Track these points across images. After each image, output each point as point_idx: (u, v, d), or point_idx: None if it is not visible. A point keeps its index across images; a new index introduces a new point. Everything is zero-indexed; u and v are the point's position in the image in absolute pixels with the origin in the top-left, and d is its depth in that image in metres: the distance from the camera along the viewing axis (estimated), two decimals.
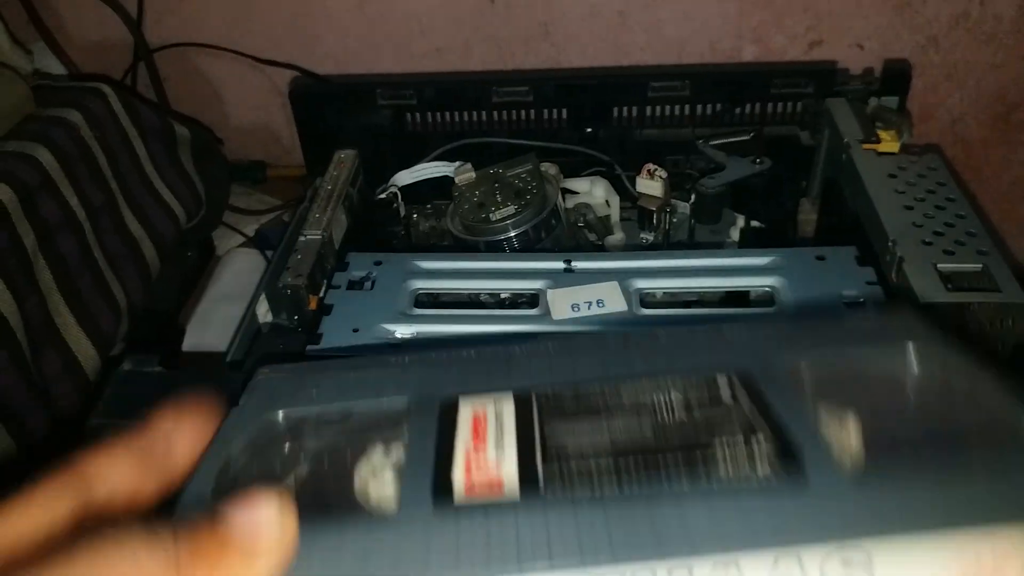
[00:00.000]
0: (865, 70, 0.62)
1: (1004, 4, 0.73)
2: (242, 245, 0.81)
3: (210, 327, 0.72)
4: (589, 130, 0.60)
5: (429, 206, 0.60)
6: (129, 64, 0.86)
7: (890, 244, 0.44)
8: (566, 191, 0.57)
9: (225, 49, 0.83)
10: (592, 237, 0.56)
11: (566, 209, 0.56)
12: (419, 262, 0.46)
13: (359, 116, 0.61)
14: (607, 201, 0.56)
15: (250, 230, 0.83)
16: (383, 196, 0.56)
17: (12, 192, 0.51)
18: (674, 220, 0.55)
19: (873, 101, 0.57)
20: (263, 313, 0.53)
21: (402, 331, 0.41)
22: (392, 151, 0.62)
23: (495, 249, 0.49)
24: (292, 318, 0.51)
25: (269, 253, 0.79)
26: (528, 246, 0.51)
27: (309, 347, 0.40)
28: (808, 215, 0.58)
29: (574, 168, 0.61)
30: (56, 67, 0.82)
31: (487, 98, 0.59)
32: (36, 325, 0.52)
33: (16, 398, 0.50)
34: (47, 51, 0.82)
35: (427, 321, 0.42)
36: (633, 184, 0.59)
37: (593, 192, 0.56)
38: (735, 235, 0.53)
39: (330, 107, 0.61)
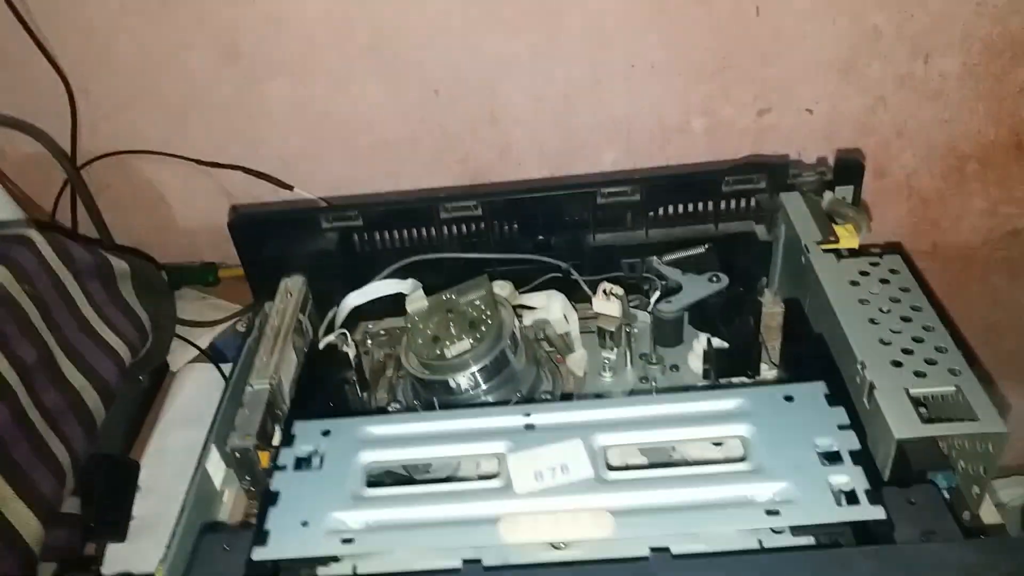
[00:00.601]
0: (819, 159, 0.61)
1: (949, 62, 0.73)
2: (196, 360, 0.79)
3: (167, 460, 0.69)
4: (541, 238, 0.58)
5: (383, 332, 0.58)
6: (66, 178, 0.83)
7: (859, 367, 0.43)
8: (522, 307, 0.55)
9: (166, 154, 0.81)
10: (552, 352, 0.54)
11: (523, 327, 0.54)
12: (370, 427, 0.43)
13: (304, 241, 0.58)
14: (565, 316, 0.54)
15: (204, 341, 0.80)
16: (332, 339, 0.53)
17: None
18: (635, 332, 0.53)
19: (828, 195, 0.56)
20: (214, 470, 0.51)
21: (353, 520, 0.39)
22: (341, 273, 0.59)
23: (452, 392, 0.47)
24: (244, 479, 0.49)
25: (225, 367, 0.76)
26: (487, 379, 0.49)
27: (256, 549, 0.37)
28: (772, 308, 0.57)
29: (528, 276, 0.59)
30: None
31: (435, 215, 0.57)
32: None
33: None
34: None
35: (381, 504, 0.40)
36: (590, 288, 0.58)
37: (550, 308, 0.55)
38: (698, 360, 0.51)
39: (274, 235, 0.59)
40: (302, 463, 0.42)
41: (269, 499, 0.40)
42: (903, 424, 0.40)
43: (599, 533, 0.37)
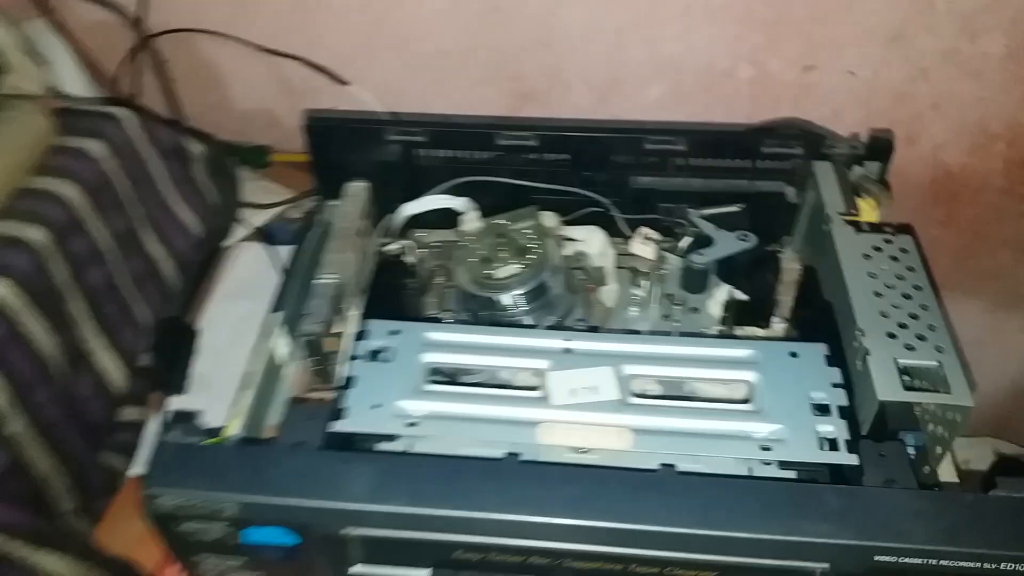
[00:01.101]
0: (851, 134, 0.66)
1: (993, 43, 0.76)
2: (248, 238, 0.85)
3: (223, 326, 0.77)
4: (587, 173, 0.63)
5: (436, 243, 0.64)
6: (131, 45, 0.87)
7: (857, 332, 0.49)
8: (564, 239, 0.61)
9: (228, 36, 0.84)
10: (585, 281, 0.61)
11: (564, 257, 0.60)
12: (431, 334, 0.50)
13: (369, 149, 0.63)
14: (602, 252, 0.60)
15: (256, 221, 0.86)
16: (397, 248, 0.60)
17: (45, 232, 0.54)
18: (664, 273, 0.60)
19: (857, 169, 0.61)
20: (278, 347, 0.58)
21: (415, 408, 0.46)
22: (399, 182, 0.65)
23: (496, 308, 0.54)
24: (310, 359, 0.56)
25: (275, 248, 0.82)
26: (528, 302, 0.56)
27: (334, 423, 0.45)
28: (791, 265, 0.63)
29: (571, 207, 0.65)
30: (58, 49, 0.82)
31: (493, 140, 0.62)
32: (71, 355, 0.56)
33: (57, 421, 0.55)
34: (46, 30, 0.83)
35: (439, 398, 0.47)
36: (628, 226, 0.64)
37: (590, 242, 0.61)
38: (717, 308, 0.57)
39: (342, 139, 0.64)
40: (374, 355, 0.49)
41: (347, 383, 0.47)
42: (887, 388, 0.46)
43: (620, 445, 0.45)
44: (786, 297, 0.59)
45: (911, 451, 0.46)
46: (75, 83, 0.79)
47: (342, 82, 0.84)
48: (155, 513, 0.43)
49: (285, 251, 0.81)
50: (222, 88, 0.90)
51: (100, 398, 0.59)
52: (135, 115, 0.63)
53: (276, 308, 0.60)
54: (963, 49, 0.76)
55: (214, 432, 0.47)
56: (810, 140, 0.61)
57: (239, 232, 0.85)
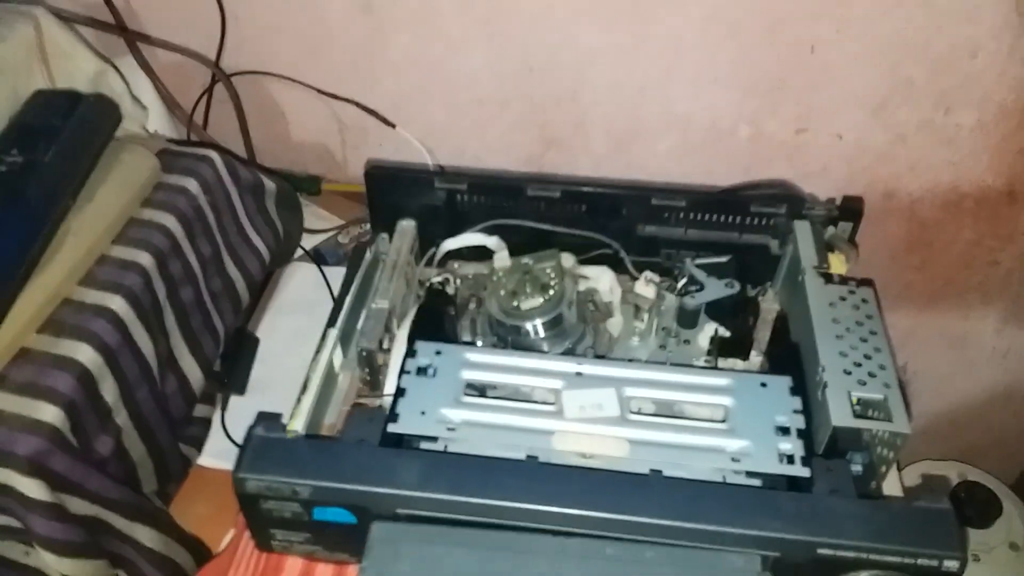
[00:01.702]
0: (828, 199, 0.76)
1: (965, 115, 0.86)
2: (300, 259, 0.96)
3: (277, 337, 0.88)
4: (601, 221, 0.74)
5: (470, 275, 0.75)
6: (206, 85, 0.98)
7: (820, 368, 0.60)
8: (579, 276, 0.72)
9: (293, 79, 0.96)
10: (595, 313, 0.72)
11: (578, 292, 0.71)
12: (469, 355, 0.61)
13: (418, 194, 0.75)
14: (611, 289, 0.71)
15: (307, 243, 0.97)
16: (439, 280, 0.71)
17: (150, 257, 0.66)
18: (662, 309, 0.70)
19: (831, 229, 0.71)
20: (339, 364, 0.69)
21: (455, 416, 0.57)
22: (442, 221, 0.76)
23: (520, 334, 0.65)
24: (364, 371, 0.67)
25: (326, 269, 0.93)
26: (547, 330, 0.67)
27: (390, 425, 0.56)
28: (770, 305, 0.74)
29: (585, 248, 0.76)
30: (145, 88, 0.94)
31: (523, 191, 0.73)
32: (162, 358, 0.68)
33: (150, 415, 0.66)
34: (136, 68, 0.95)
35: (474, 409, 0.58)
36: (634, 267, 0.75)
37: (601, 279, 0.72)
38: (705, 341, 0.68)
39: (396, 185, 0.75)
40: (421, 371, 0.60)
41: (399, 392, 0.58)
42: (840, 415, 0.57)
43: (617, 453, 0.56)
44: (763, 334, 0.69)
45: (858, 468, 0.57)
46: (159, 120, 0.91)
47: (389, 123, 0.95)
48: (243, 493, 0.53)
49: (333, 272, 0.93)
50: (282, 123, 1.02)
51: (182, 396, 0.71)
52: (223, 156, 0.74)
53: (331, 323, 0.70)
54: (938, 120, 0.86)
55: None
56: (793, 202, 0.72)
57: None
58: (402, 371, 0.59)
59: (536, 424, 0.57)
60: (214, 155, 0.73)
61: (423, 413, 0.57)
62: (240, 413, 0.81)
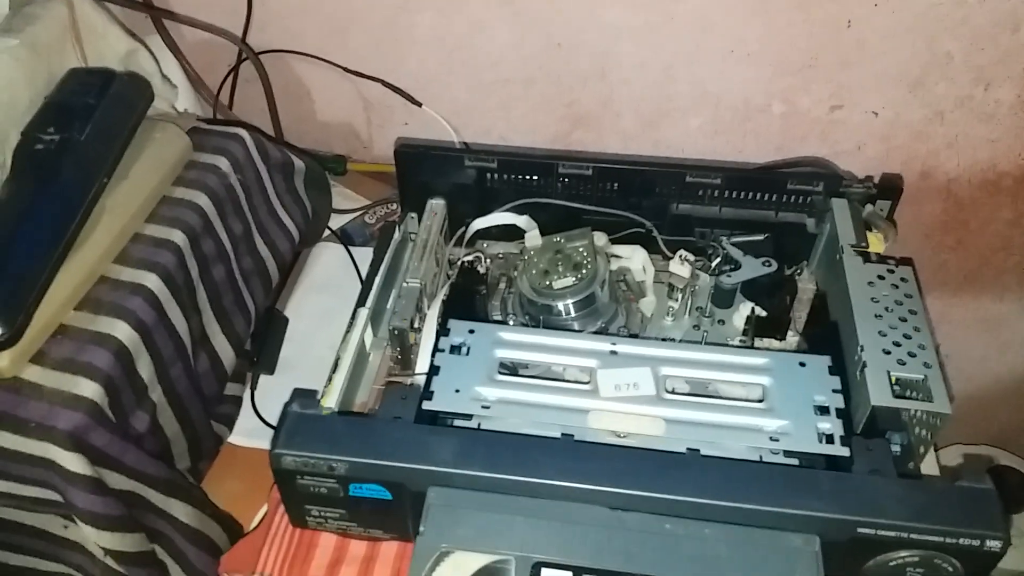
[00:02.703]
0: (865, 177, 0.75)
1: (1005, 91, 0.84)
2: (327, 239, 0.96)
3: (305, 316, 0.88)
4: (634, 199, 0.73)
5: (500, 255, 0.75)
6: (232, 63, 0.98)
7: (859, 348, 0.59)
8: (611, 255, 0.72)
9: (319, 58, 0.95)
10: (627, 292, 0.71)
11: (610, 271, 0.70)
12: (502, 333, 0.61)
13: (449, 172, 0.74)
14: (644, 268, 0.71)
15: (334, 223, 0.97)
16: (471, 259, 0.71)
17: (183, 235, 0.66)
18: (696, 288, 0.70)
19: (868, 207, 0.70)
20: (369, 342, 0.69)
21: (489, 394, 0.57)
22: (472, 200, 0.76)
23: (552, 313, 0.65)
24: (395, 350, 0.67)
25: (353, 249, 0.93)
26: (579, 309, 0.66)
27: (424, 402, 0.56)
28: (807, 285, 0.73)
29: (618, 227, 0.75)
30: (173, 66, 0.94)
31: (555, 169, 0.73)
32: (196, 336, 0.68)
33: (183, 392, 0.66)
34: (163, 47, 0.95)
35: (508, 387, 0.58)
36: (667, 247, 0.74)
37: (634, 259, 0.71)
38: (741, 321, 0.68)
39: (426, 164, 0.74)
40: (455, 349, 0.60)
41: (433, 370, 0.58)
42: (880, 395, 0.56)
43: (654, 432, 0.55)
44: (800, 314, 0.69)
45: (896, 448, 0.56)
46: (187, 99, 0.91)
47: (415, 102, 0.95)
48: (280, 469, 0.54)
49: (361, 252, 0.93)
50: (308, 102, 1.02)
51: (214, 374, 0.71)
52: (252, 135, 0.74)
53: (362, 302, 0.70)
54: (977, 96, 0.85)
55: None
56: (830, 180, 0.70)
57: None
58: (436, 349, 0.59)
59: (571, 403, 0.57)
60: (244, 133, 0.73)
61: (457, 391, 0.57)
62: (269, 392, 0.81)
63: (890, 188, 0.71)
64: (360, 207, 0.96)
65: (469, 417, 0.56)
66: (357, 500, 0.54)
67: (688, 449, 0.53)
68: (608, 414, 0.55)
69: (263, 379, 0.82)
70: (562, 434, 0.54)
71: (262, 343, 0.81)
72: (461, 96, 0.95)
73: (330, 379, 0.63)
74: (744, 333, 0.67)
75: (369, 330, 0.70)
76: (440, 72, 0.93)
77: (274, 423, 0.70)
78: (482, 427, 0.56)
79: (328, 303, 0.88)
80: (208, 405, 0.72)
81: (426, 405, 0.56)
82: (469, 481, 0.51)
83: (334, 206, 0.98)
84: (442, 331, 0.61)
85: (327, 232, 0.95)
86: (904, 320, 0.61)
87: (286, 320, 0.86)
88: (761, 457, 0.54)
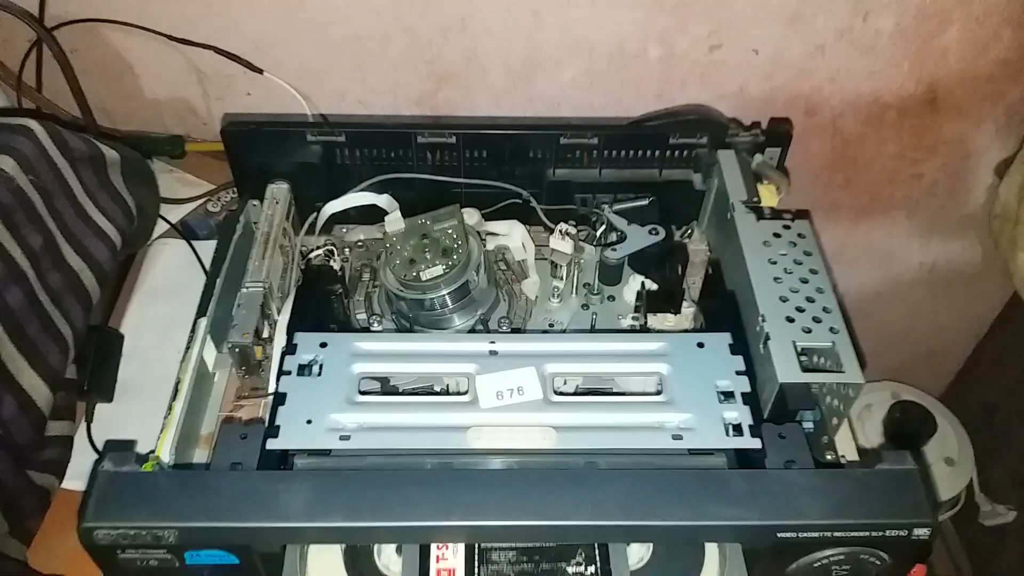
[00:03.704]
0: (752, 124, 0.69)
1: (884, 19, 0.80)
2: (166, 234, 0.84)
3: (147, 330, 0.76)
4: (506, 168, 0.65)
5: (360, 243, 0.65)
6: (33, 39, 0.83)
7: (760, 319, 0.53)
8: (486, 234, 0.63)
9: (137, 26, 0.82)
10: (508, 273, 0.63)
11: (486, 252, 0.62)
12: (360, 343, 0.52)
13: (290, 151, 0.64)
14: (523, 245, 0.63)
15: (174, 216, 0.85)
16: (321, 254, 0.61)
17: None
18: (582, 262, 0.62)
19: (757, 156, 0.64)
20: (212, 361, 0.59)
21: (348, 420, 0.48)
22: (321, 182, 0.65)
23: (423, 307, 0.56)
24: (240, 368, 0.57)
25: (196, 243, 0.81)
26: (454, 300, 0.58)
27: (269, 441, 0.47)
28: (698, 246, 0.67)
29: (491, 200, 0.67)
30: None
31: (413, 140, 0.63)
32: None
33: None
34: None
35: (370, 409, 0.49)
36: (547, 216, 0.66)
37: (511, 236, 0.63)
38: (632, 296, 0.61)
39: (262, 143, 0.64)
40: (304, 369, 0.50)
41: (278, 399, 0.48)
42: (787, 371, 0.50)
43: (544, 444, 0.48)
44: (695, 280, 0.62)
45: (809, 426, 0.51)
46: None
47: (256, 69, 0.83)
48: (93, 545, 0.43)
49: (206, 246, 0.81)
50: (131, 78, 0.88)
51: (26, 417, 0.59)
52: (44, 125, 0.61)
53: (201, 312, 0.60)
54: (856, 27, 0.80)
55: (143, 458, 0.47)
56: (715, 129, 0.64)
57: (157, 228, 0.84)
58: (280, 372, 0.49)
59: (447, 420, 0.49)
60: (34, 124, 0.60)
61: (309, 422, 0.48)
62: (110, 422, 0.70)
63: (779, 134, 0.65)
64: (199, 195, 0.84)
65: (326, 453, 0.47)
66: (197, 569, 0.44)
67: (585, 463, 0.46)
68: (490, 430, 0.48)
69: (101, 408, 0.71)
70: (437, 463, 0.45)
71: (92, 368, 0.69)
72: (308, 59, 0.84)
73: (166, 415, 0.54)
74: (636, 309, 0.61)
75: (211, 346, 0.60)
76: (281, 33, 0.82)
77: None
78: (342, 465, 0.47)
79: (172, 311, 0.76)
80: (23, 454, 0.60)
81: (271, 444, 0.46)
82: (326, 534, 0.42)
83: (173, 194, 0.85)
84: (288, 348, 0.51)
85: (165, 227, 0.83)
86: (805, 281, 0.56)
87: (121, 337, 0.74)
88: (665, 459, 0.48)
